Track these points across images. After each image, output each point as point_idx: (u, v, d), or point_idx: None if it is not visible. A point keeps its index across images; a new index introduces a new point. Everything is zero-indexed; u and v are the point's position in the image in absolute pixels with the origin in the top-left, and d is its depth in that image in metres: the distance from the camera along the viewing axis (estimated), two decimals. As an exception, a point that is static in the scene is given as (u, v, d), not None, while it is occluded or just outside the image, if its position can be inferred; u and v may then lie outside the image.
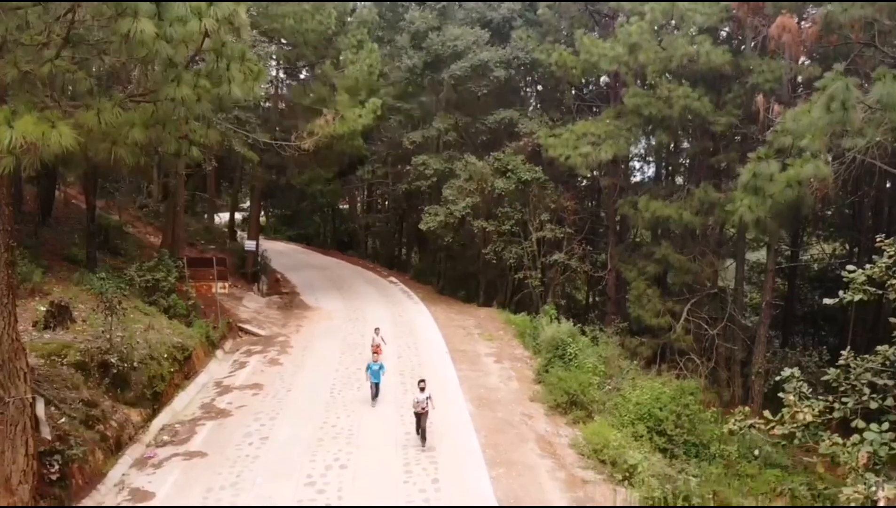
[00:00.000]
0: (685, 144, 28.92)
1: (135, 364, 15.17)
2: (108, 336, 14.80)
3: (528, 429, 15.49)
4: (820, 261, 36.79)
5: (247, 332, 24.09)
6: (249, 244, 31.18)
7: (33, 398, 10.65)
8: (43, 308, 16.36)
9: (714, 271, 24.05)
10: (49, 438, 11.15)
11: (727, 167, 24.87)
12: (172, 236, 25.09)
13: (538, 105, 34.73)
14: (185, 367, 18.12)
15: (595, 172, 26.70)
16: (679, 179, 31.89)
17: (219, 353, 21.08)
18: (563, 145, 25.03)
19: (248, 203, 45.99)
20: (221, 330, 22.24)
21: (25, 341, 12.26)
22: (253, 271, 31.61)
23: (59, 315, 16.17)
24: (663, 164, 33.35)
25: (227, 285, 23.20)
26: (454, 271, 33.46)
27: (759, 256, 35.83)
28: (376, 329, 18.90)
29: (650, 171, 36.44)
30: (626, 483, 13.09)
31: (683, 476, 12.53)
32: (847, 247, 36.53)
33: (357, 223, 51.25)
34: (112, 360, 14.49)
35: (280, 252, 42.80)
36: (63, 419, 12.75)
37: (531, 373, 19.98)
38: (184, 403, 16.86)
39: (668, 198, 24.52)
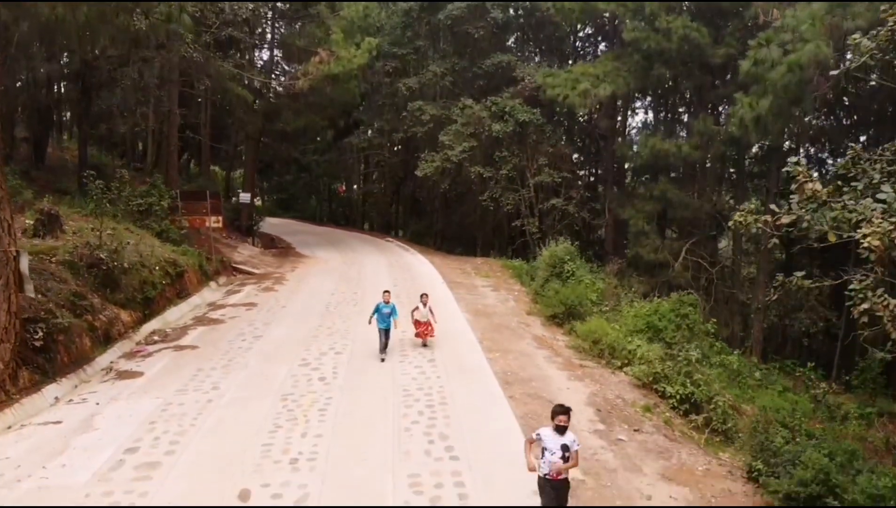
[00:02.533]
0: (684, 85, 28.46)
1: (125, 265, 14.89)
2: (98, 233, 14.52)
3: (525, 332, 15.25)
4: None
5: (241, 271, 23.75)
6: (244, 197, 30.64)
7: (17, 253, 10.30)
8: (31, 222, 16.07)
9: (713, 206, 23.78)
10: (33, 296, 10.83)
11: (726, 104, 24.65)
12: (166, 175, 24.79)
13: (536, 54, 34.35)
14: (177, 284, 17.81)
15: (594, 111, 26.24)
16: (678, 123, 31.54)
17: (212, 284, 20.76)
18: (562, 85, 24.79)
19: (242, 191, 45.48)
20: (215, 265, 21.90)
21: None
22: (248, 225, 31.25)
23: (49, 224, 15.86)
24: (661, 100, 32.86)
25: (220, 219, 22.85)
26: (450, 227, 33.19)
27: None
28: (423, 296, 13.11)
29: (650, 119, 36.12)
30: (624, 370, 12.86)
31: (684, 353, 12.26)
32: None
33: (353, 194, 50.89)
34: (102, 256, 14.19)
35: (275, 224, 42.49)
36: (50, 305, 12.47)
37: (528, 299, 19.72)
38: (176, 316, 16.56)
39: (668, 137, 24.30)
